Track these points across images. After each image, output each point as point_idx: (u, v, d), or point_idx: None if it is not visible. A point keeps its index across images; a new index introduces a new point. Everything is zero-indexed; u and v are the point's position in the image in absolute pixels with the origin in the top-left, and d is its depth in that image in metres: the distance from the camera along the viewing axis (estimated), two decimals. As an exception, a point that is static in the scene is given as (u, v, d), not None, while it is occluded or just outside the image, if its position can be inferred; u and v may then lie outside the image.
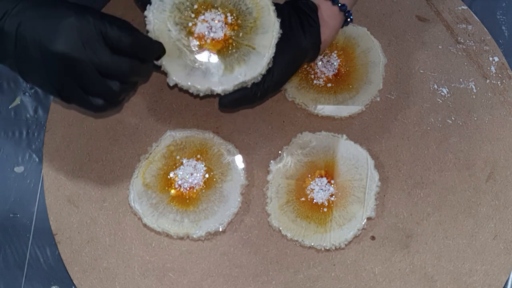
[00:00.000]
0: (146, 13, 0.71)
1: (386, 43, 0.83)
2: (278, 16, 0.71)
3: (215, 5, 0.70)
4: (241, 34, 0.70)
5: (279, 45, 0.71)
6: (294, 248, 0.75)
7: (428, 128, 0.80)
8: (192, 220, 0.75)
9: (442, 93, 0.82)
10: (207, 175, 0.77)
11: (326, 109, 0.80)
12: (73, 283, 0.75)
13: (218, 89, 0.70)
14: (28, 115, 0.83)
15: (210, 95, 0.71)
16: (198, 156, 0.77)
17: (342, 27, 0.77)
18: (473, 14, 0.85)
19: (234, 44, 0.70)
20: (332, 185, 0.76)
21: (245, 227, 0.76)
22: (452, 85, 0.82)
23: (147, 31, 0.70)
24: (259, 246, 0.76)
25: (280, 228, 0.75)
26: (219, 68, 0.70)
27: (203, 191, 0.76)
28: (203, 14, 0.70)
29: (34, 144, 0.81)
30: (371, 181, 0.76)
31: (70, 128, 0.81)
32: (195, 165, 0.77)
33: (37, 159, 0.81)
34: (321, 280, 0.74)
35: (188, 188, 0.76)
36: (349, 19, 0.76)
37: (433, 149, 0.79)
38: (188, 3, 0.70)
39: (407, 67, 0.83)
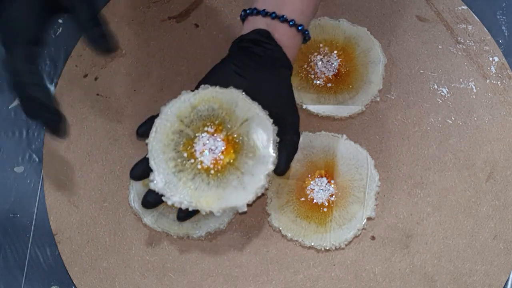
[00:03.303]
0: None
1: (386, 43, 0.83)
2: (239, 60, 0.71)
3: (193, 137, 0.69)
4: (229, 125, 0.69)
5: (265, 88, 0.71)
6: (294, 248, 0.75)
7: (428, 128, 0.80)
8: (192, 220, 0.75)
9: (442, 93, 0.82)
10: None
11: (326, 109, 0.80)
12: (73, 283, 0.75)
13: (269, 167, 0.67)
14: (28, 115, 0.83)
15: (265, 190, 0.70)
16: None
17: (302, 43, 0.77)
18: (473, 14, 0.85)
19: (236, 135, 0.69)
20: (332, 185, 0.76)
21: (245, 227, 0.76)
22: (452, 85, 0.82)
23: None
24: (259, 246, 0.76)
25: (280, 228, 0.75)
26: (248, 160, 0.68)
27: (203, 191, 0.76)
28: (194, 150, 0.69)
29: (34, 144, 0.81)
30: (371, 181, 0.76)
31: (70, 128, 0.81)
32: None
33: (37, 159, 0.81)
34: (321, 280, 0.74)
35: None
36: (307, 38, 0.76)
37: (433, 149, 0.79)
38: (179, 160, 0.68)
39: (407, 67, 0.83)
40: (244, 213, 0.76)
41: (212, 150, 0.68)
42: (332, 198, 0.76)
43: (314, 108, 0.80)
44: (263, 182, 0.67)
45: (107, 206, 0.78)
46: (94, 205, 0.78)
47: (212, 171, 0.68)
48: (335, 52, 0.82)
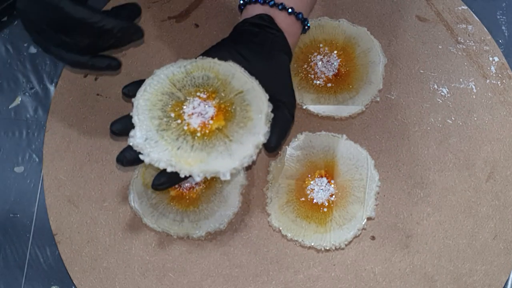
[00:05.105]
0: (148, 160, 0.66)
1: (386, 43, 0.83)
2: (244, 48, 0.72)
3: (183, 99, 0.68)
4: (223, 94, 0.68)
5: (259, 67, 0.71)
6: (294, 248, 0.75)
7: (428, 128, 0.80)
8: (192, 220, 0.75)
9: (442, 93, 0.82)
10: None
11: (326, 109, 0.80)
12: (73, 283, 0.75)
13: (260, 138, 0.66)
14: (28, 115, 0.83)
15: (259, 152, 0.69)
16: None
17: (301, 33, 0.78)
18: (473, 14, 0.85)
19: (228, 104, 0.68)
20: (332, 185, 0.76)
21: (245, 227, 0.76)
22: (452, 85, 0.82)
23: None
24: (259, 246, 0.76)
25: (280, 228, 0.75)
26: (238, 129, 0.67)
27: (203, 191, 0.76)
28: (183, 112, 0.67)
29: (34, 144, 0.81)
30: (371, 181, 0.76)
31: (70, 128, 0.81)
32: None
33: (37, 159, 0.81)
34: (321, 280, 0.74)
35: (188, 188, 0.76)
36: (306, 27, 0.77)
37: (433, 149, 0.79)
38: (164, 120, 0.67)
39: (407, 67, 0.83)
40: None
41: (201, 114, 0.67)
42: (332, 198, 0.76)
43: (314, 108, 0.80)
44: (251, 151, 0.66)
45: (107, 206, 0.78)
46: (94, 205, 0.78)
47: (199, 134, 0.66)
48: (335, 52, 0.82)
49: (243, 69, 0.69)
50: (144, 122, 0.66)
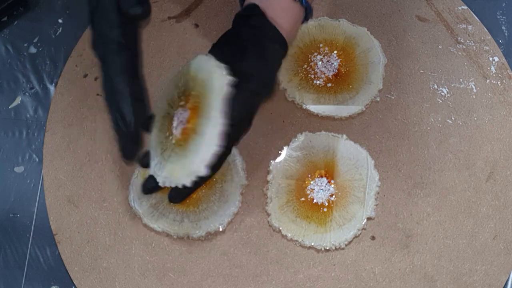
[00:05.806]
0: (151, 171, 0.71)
1: (386, 43, 0.83)
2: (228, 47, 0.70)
3: (172, 115, 0.69)
4: (193, 92, 0.68)
5: (249, 62, 0.70)
6: (294, 248, 0.75)
7: (428, 128, 0.80)
8: (192, 220, 0.75)
9: (442, 93, 0.82)
10: (207, 175, 0.76)
11: (326, 109, 0.80)
12: (73, 283, 0.75)
13: (218, 122, 0.66)
14: (28, 115, 0.83)
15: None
16: (198, 156, 0.77)
17: (305, 20, 0.75)
18: (473, 14, 0.85)
19: (197, 99, 0.67)
20: (332, 185, 0.76)
21: (245, 227, 0.76)
22: (452, 85, 0.82)
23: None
24: (259, 246, 0.76)
25: (280, 228, 0.75)
26: (203, 119, 0.67)
27: (203, 191, 0.76)
28: (172, 127, 0.68)
29: (34, 144, 0.81)
30: (371, 181, 0.76)
31: (70, 128, 0.81)
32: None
33: (37, 159, 0.81)
34: (321, 280, 0.74)
35: (188, 188, 0.76)
36: (308, 10, 0.74)
37: (433, 149, 0.79)
38: (164, 141, 0.69)
39: (407, 67, 0.83)
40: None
41: (182, 122, 0.68)
42: (332, 198, 0.76)
43: (314, 108, 0.80)
44: (213, 140, 0.64)
45: (107, 206, 0.78)
46: (94, 205, 0.78)
47: (181, 142, 0.67)
48: (335, 52, 0.82)
49: (209, 56, 0.68)
50: (153, 150, 0.70)
